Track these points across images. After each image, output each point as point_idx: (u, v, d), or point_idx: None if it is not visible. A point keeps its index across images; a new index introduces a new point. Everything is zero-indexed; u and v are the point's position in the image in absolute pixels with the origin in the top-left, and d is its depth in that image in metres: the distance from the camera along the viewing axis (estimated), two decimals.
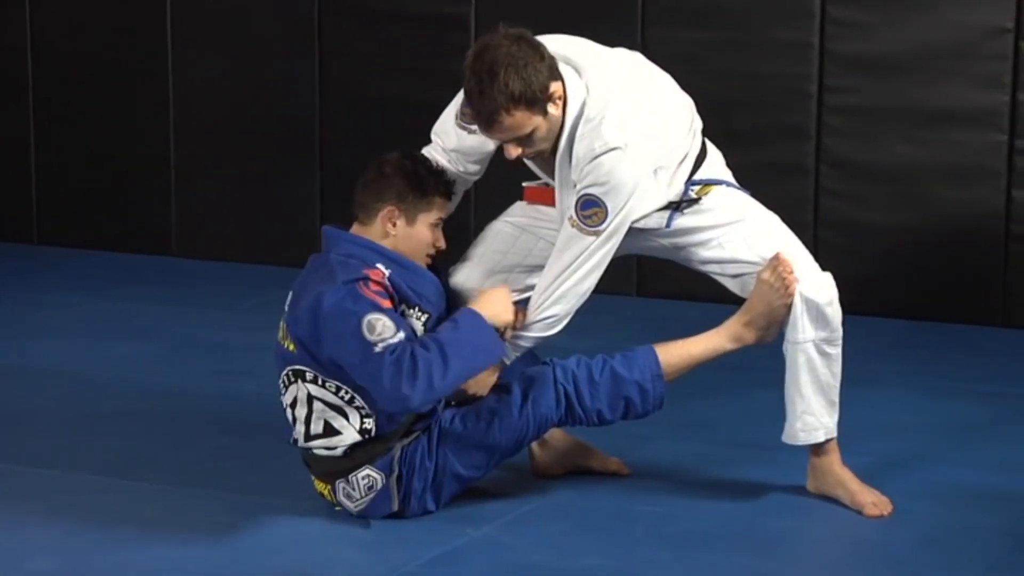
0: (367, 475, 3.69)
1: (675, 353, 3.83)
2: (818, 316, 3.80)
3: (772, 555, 3.63)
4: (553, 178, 3.79)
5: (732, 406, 4.79)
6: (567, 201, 3.73)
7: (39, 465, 4.18)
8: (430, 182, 3.73)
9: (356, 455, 3.68)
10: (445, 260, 3.91)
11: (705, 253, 3.87)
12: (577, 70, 3.70)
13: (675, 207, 3.81)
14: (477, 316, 3.64)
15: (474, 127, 3.76)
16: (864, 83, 5.74)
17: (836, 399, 3.88)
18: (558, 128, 3.67)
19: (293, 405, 3.71)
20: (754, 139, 5.72)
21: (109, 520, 3.77)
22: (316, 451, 3.72)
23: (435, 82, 6.30)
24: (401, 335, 3.54)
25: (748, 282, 3.86)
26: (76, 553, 3.58)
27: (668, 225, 3.81)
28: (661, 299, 5.93)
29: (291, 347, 3.67)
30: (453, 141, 3.86)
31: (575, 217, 3.69)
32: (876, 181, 5.79)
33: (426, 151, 3.90)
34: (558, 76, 3.64)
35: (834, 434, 3.89)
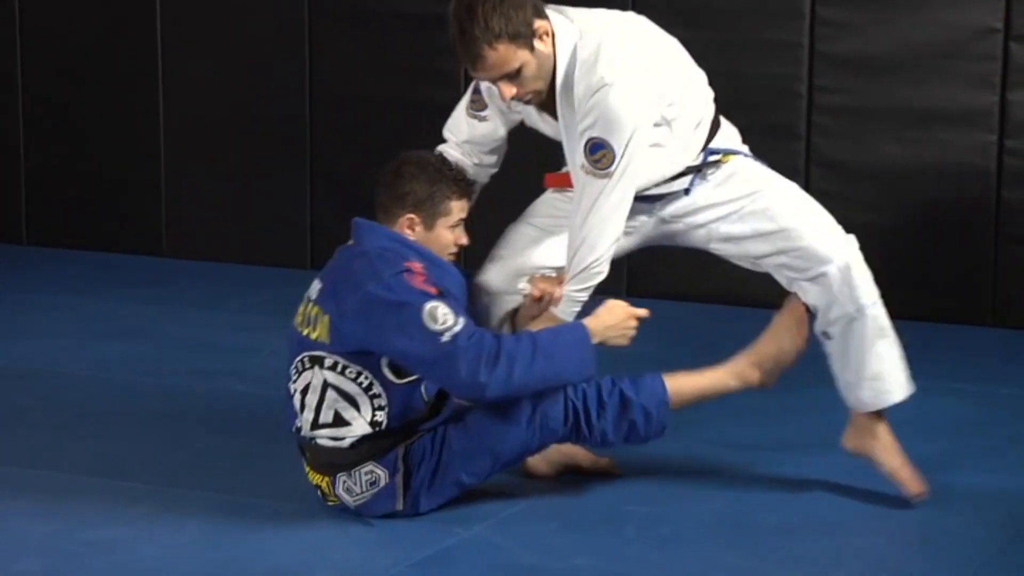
0: (371, 471, 3.69)
1: (682, 383, 3.87)
2: (847, 284, 3.84)
3: (762, 555, 3.64)
4: (559, 134, 3.82)
5: (720, 406, 4.78)
6: (576, 149, 3.75)
7: (27, 465, 4.18)
8: (448, 185, 3.74)
9: (361, 448, 3.68)
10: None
11: (726, 228, 3.90)
12: (569, 18, 3.76)
13: (696, 171, 3.85)
14: (583, 330, 3.66)
15: (484, 113, 3.85)
16: (854, 83, 5.76)
17: (899, 353, 3.92)
18: (551, 68, 3.71)
19: (305, 392, 3.70)
20: (744, 139, 5.71)
21: (98, 520, 3.77)
22: (320, 441, 3.71)
23: (425, 83, 6.32)
24: (463, 321, 3.57)
25: (769, 262, 3.89)
26: (64, 554, 3.58)
27: (689, 189, 3.84)
28: (650, 299, 5.93)
29: (313, 334, 3.67)
30: (465, 132, 3.92)
31: (586, 164, 3.73)
32: (866, 181, 5.80)
33: (440, 149, 3.94)
34: (543, 15, 3.69)
35: (910, 390, 3.93)
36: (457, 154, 3.92)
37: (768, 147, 5.81)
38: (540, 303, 3.83)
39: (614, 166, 3.70)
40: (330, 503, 3.79)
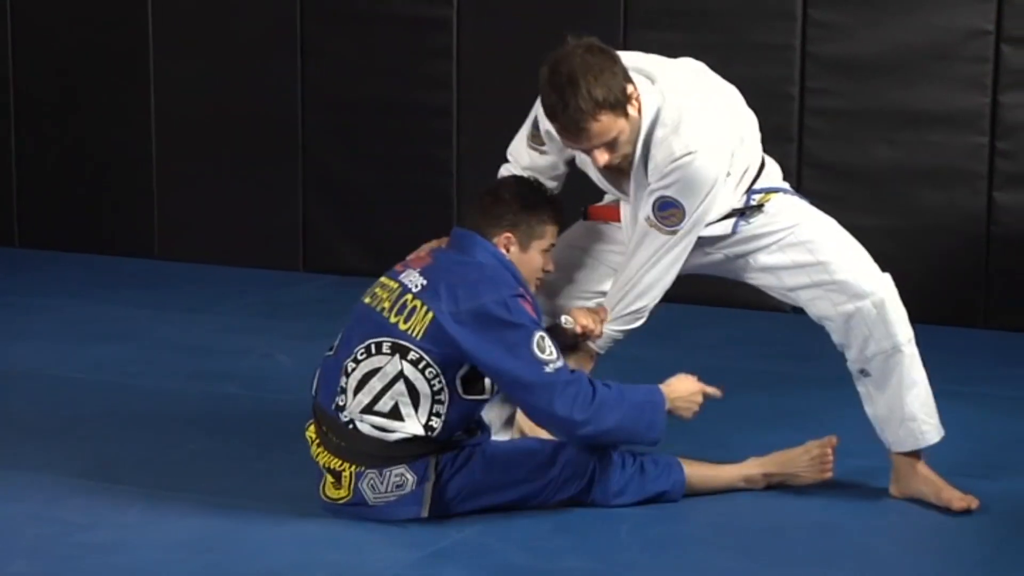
0: (400, 474, 3.69)
1: (697, 473, 3.95)
2: (882, 322, 3.88)
3: (754, 556, 3.64)
4: (620, 188, 3.85)
5: (712, 409, 4.78)
6: (642, 204, 3.79)
7: (19, 467, 4.18)
8: (545, 209, 3.79)
9: (405, 447, 3.67)
10: None
11: (764, 259, 3.93)
12: (649, 78, 3.77)
13: (740, 214, 3.89)
14: (661, 395, 3.73)
15: (544, 148, 3.90)
16: (845, 86, 5.78)
17: (930, 394, 3.96)
18: (639, 132, 3.73)
19: (371, 374, 3.67)
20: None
21: (89, 523, 3.77)
22: (361, 427, 3.68)
23: (417, 84, 6.33)
24: (562, 360, 3.64)
25: (805, 294, 3.91)
26: (56, 557, 3.58)
27: (734, 232, 3.88)
28: None
29: (403, 325, 3.65)
30: (526, 160, 3.97)
31: (652, 218, 3.78)
32: (857, 183, 5.82)
33: (504, 170, 3.98)
34: (630, 78, 3.70)
35: (943, 432, 3.97)
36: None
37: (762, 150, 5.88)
38: (579, 336, 3.88)
39: (682, 225, 3.77)
40: (329, 497, 3.76)
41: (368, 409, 3.68)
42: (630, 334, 3.93)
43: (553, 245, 3.82)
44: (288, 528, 3.74)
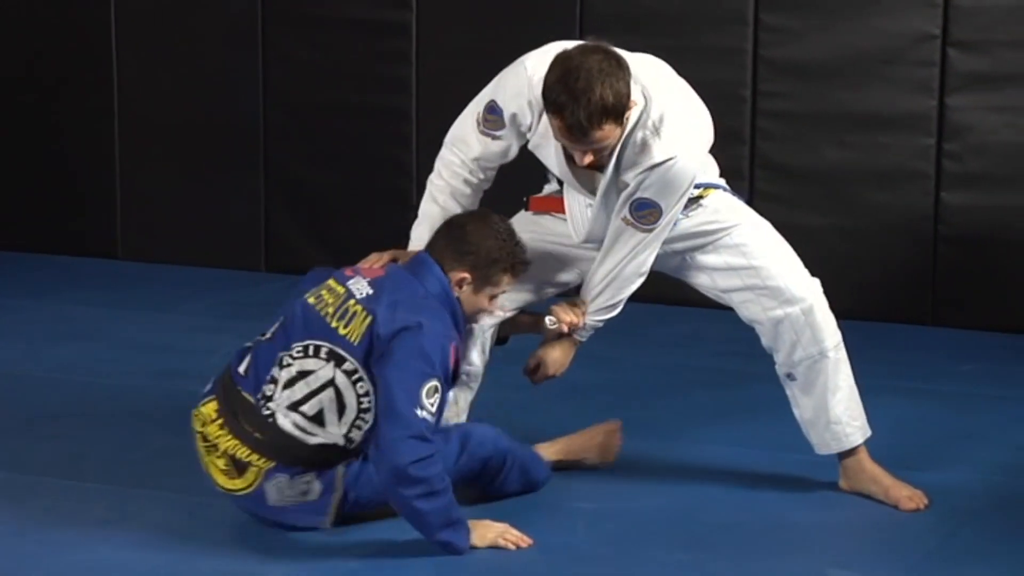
0: (308, 482, 3.66)
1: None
2: (811, 327, 3.92)
3: (710, 548, 3.69)
4: (582, 180, 3.84)
5: (670, 405, 4.86)
6: (612, 202, 3.81)
7: None
8: (507, 260, 3.74)
9: (322, 454, 3.65)
10: None
11: (701, 258, 3.97)
12: (633, 76, 3.73)
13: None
14: (465, 537, 3.61)
15: (500, 133, 3.85)
16: (797, 88, 5.81)
17: (858, 397, 4.00)
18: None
19: (303, 374, 3.65)
20: None
21: (54, 520, 3.78)
22: (281, 422, 3.64)
23: (377, 87, 6.36)
24: (437, 417, 3.59)
25: (736, 297, 3.96)
26: (21, 554, 3.60)
27: (674, 224, 3.89)
28: None
29: (343, 330, 3.63)
30: (477, 150, 3.91)
31: (629, 217, 3.80)
32: (809, 184, 5.86)
33: (442, 163, 3.94)
34: (630, 86, 3.69)
35: (868, 433, 3.99)
36: (463, 172, 3.92)
37: (714, 151, 5.86)
38: (563, 332, 3.93)
39: (659, 223, 3.79)
40: (221, 485, 3.69)
41: (294, 407, 3.65)
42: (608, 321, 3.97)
43: (504, 291, 3.81)
44: (251, 526, 3.75)
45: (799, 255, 5.87)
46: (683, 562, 3.62)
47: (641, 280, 3.92)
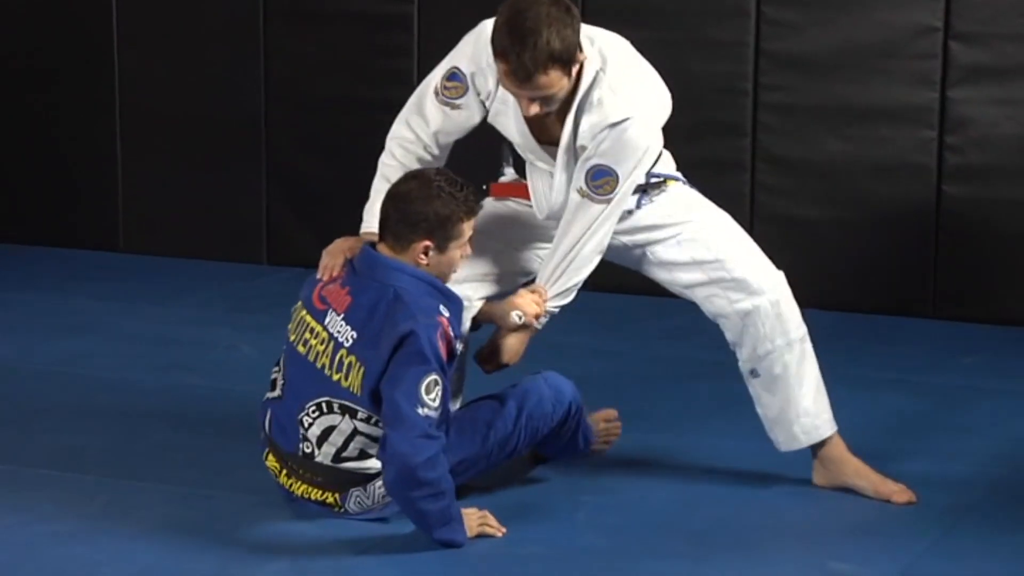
0: (382, 485, 3.69)
1: None
2: (778, 318, 3.89)
3: (710, 541, 3.71)
4: (542, 146, 3.83)
5: (670, 397, 4.87)
6: (568, 169, 3.79)
7: None
8: (459, 208, 3.68)
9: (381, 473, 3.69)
10: None
11: (662, 253, 3.94)
12: (590, 38, 3.75)
13: (642, 191, 3.88)
14: (462, 533, 3.63)
15: (460, 101, 3.82)
16: (798, 82, 5.80)
17: (824, 391, 3.96)
18: (574, 91, 3.72)
19: (328, 431, 3.69)
20: (692, 136, 5.78)
21: (55, 514, 3.79)
22: (338, 466, 3.70)
23: (378, 81, 6.36)
24: (441, 410, 3.59)
25: (700, 292, 3.93)
26: (22, 547, 3.61)
27: (638, 206, 3.87)
28: (586, 291, 6.00)
29: (344, 383, 3.65)
30: (437, 122, 3.87)
31: (585, 188, 3.77)
32: (810, 177, 5.86)
33: (394, 142, 3.91)
34: (581, 41, 3.68)
35: (835, 426, 3.96)
36: (416, 149, 3.88)
37: (715, 144, 5.94)
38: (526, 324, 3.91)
39: (615, 193, 3.76)
40: (335, 509, 3.77)
41: (337, 457, 3.71)
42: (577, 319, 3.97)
43: (471, 236, 3.75)
44: (252, 519, 3.77)
45: (798, 247, 5.93)
46: (683, 554, 3.63)
47: (598, 259, 3.86)
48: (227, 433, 4.37)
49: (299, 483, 3.77)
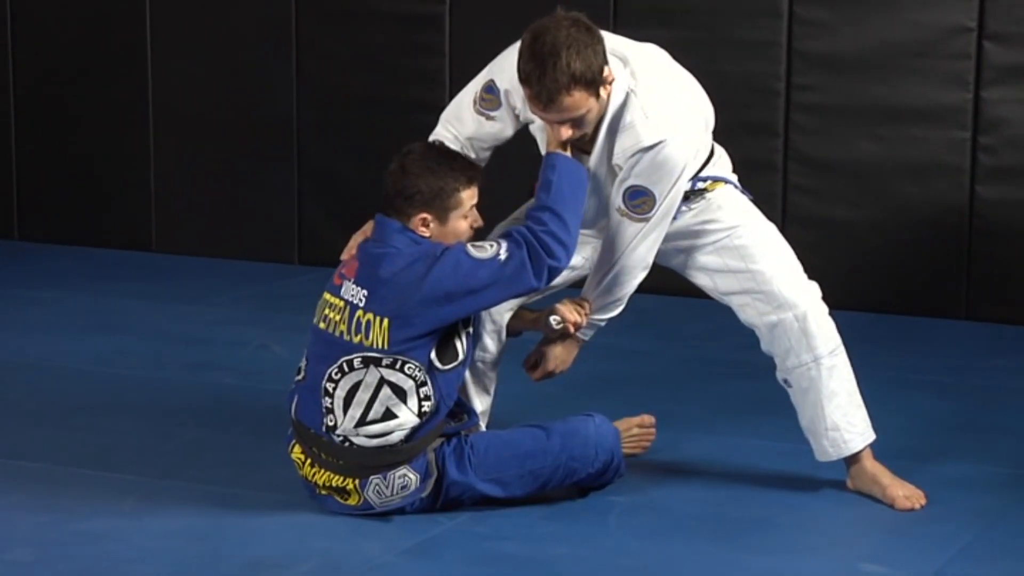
0: (404, 475, 3.71)
1: None
2: (803, 333, 3.88)
3: (740, 542, 3.70)
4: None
5: (700, 398, 4.86)
6: (606, 188, 3.81)
7: (18, 457, 4.22)
8: (455, 178, 3.72)
9: (403, 450, 3.70)
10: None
11: (702, 259, 3.94)
12: (622, 59, 3.75)
13: (684, 198, 3.86)
14: (559, 156, 3.73)
15: (495, 113, 3.85)
16: (830, 81, 5.80)
17: (860, 401, 3.94)
18: (604, 112, 3.73)
19: (354, 390, 3.70)
20: (724, 136, 5.73)
21: (86, 511, 3.81)
22: (359, 441, 3.71)
23: (410, 81, 6.38)
24: (498, 242, 3.68)
25: (736, 300, 3.93)
26: (53, 544, 3.62)
27: (675, 216, 3.86)
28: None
29: (366, 341, 3.67)
30: (471, 128, 3.91)
31: (623, 207, 3.77)
32: (842, 177, 5.85)
33: (435, 137, 3.93)
34: (607, 60, 3.68)
35: (871, 437, 3.95)
36: (455, 148, 3.89)
37: (747, 144, 5.92)
38: (567, 331, 3.91)
39: (653, 211, 3.76)
40: (342, 506, 3.78)
41: (362, 422, 3.71)
42: (613, 320, 3.96)
43: (475, 204, 3.77)
44: (282, 517, 3.78)
45: (830, 247, 5.91)
46: (711, 554, 3.63)
47: (644, 274, 3.87)
48: (258, 432, 4.39)
49: (321, 471, 3.77)
